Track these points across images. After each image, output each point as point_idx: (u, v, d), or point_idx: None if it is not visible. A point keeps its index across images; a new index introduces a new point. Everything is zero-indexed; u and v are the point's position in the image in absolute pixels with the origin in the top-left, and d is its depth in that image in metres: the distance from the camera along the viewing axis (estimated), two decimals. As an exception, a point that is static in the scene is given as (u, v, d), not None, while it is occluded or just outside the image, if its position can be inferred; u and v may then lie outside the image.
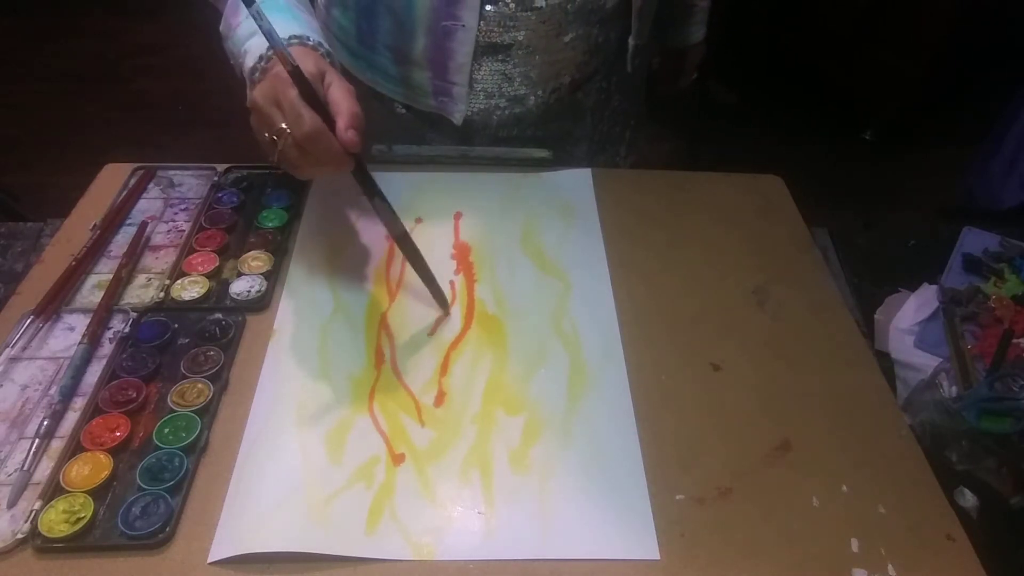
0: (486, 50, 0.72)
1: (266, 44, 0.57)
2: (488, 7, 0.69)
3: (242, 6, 0.61)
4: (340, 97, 0.54)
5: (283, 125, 0.53)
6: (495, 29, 0.70)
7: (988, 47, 2.16)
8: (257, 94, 0.55)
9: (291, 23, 0.60)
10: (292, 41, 0.58)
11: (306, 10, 0.67)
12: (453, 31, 0.70)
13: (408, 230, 0.62)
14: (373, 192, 0.59)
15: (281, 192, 0.74)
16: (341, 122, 0.53)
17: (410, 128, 0.80)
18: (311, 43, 0.60)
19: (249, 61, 0.60)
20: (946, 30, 2.03)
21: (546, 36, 0.72)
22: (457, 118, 0.76)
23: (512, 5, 0.69)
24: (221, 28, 0.66)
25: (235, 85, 0.62)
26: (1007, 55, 2.06)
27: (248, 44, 0.61)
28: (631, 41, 0.79)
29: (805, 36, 2.33)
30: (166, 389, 0.55)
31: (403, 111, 0.79)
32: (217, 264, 0.65)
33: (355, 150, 0.53)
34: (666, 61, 1.01)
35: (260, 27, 0.50)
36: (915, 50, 2.09)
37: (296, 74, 0.51)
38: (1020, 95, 1.81)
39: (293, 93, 0.52)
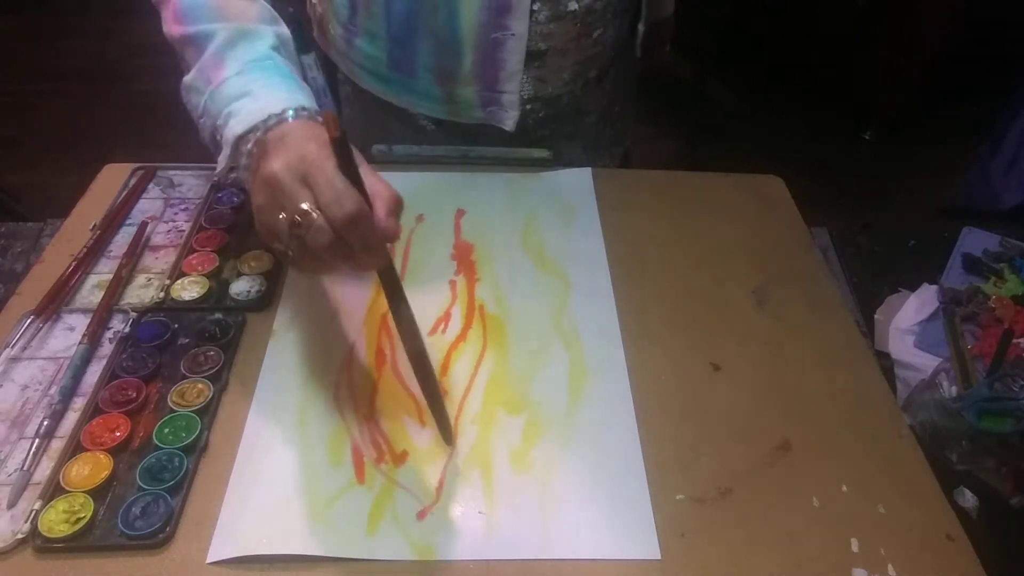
0: (524, 58, 0.72)
1: (266, 111, 0.50)
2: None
3: (231, 60, 0.54)
4: (376, 179, 0.46)
5: (305, 206, 0.43)
6: (533, 37, 0.70)
7: (988, 47, 2.16)
8: (279, 166, 0.45)
9: (296, 93, 0.52)
10: (302, 113, 0.50)
11: (303, 78, 0.58)
12: (503, 41, 0.70)
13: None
14: (400, 298, 0.50)
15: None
16: (381, 207, 0.45)
17: (442, 143, 0.79)
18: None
19: (238, 127, 0.51)
20: (946, 30, 2.03)
21: (577, 37, 0.73)
22: (509, 125, 0.76)
23: (547, 12, 0.69)
24: (189, 80, 0.56)
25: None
26: (1007, 55, 2.06)
27: (235, 106, 0.52)
28: (640, 27, 0.80)
29: (805, 36, 2.33)
30: (166, 389, 0.54)
31: (433, 127, 0.79)
32: (217, 264, 0.65)
33: (395, 239, 0.46)
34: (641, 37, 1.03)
35: (313, 82, 0.42)
36: (915, 50, 2.09)
37: (341, 143, 0.43)
38: (1020, 95, 1.81)
39: (331, 167, 0.43)
